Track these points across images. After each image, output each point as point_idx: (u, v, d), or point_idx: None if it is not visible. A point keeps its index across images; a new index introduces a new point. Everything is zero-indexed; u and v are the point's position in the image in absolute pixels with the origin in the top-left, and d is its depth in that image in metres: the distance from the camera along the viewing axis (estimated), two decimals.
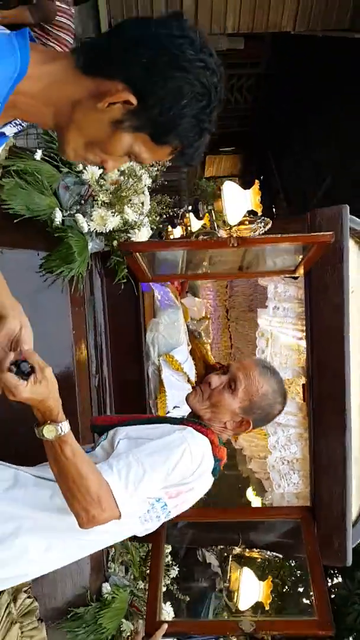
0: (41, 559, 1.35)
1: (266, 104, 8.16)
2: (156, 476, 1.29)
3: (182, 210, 3.42)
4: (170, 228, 3.87)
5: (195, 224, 3.69)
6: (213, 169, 9.85)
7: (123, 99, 0.87)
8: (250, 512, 1.87)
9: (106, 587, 2.12)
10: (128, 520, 1.33)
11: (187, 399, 1.53)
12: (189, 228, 3.52)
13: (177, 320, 2.45)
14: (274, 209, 8.13)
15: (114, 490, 1.22)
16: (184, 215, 3.55)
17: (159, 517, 1.39)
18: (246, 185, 9.11)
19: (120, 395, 2.35)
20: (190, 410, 1.55)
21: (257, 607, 2.54)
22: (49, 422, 1.16)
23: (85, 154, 0.96)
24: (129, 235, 1.98)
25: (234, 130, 8.96)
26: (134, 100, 0.87)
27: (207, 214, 3.66)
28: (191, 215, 3.71)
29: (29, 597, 1.90)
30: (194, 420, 1.47)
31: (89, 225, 1.91)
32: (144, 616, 2.05)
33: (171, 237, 3.79)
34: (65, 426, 1.17)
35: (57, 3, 3.23)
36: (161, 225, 2.31)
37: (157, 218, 2.10)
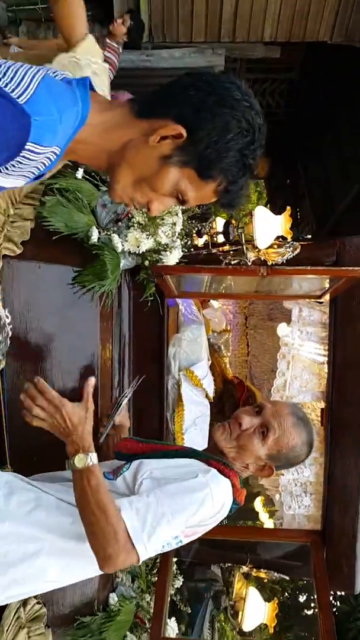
0: (58, 579, 1.40)
1: (297, 109, 8.10)
2: (175, 522, 1.27)
3: (208, 222, 3.44)
4: (195, 236, 3.88)
5: (220, 227, 3.69)
6: None
7: (173, 131, 0.93)
8: (259, 533, 1.91)
9: (113, 598, 2.17)
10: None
11: (213, 433, 1.54)
12: (214, 238, 3.54)
13: (199, 337, 2.49)
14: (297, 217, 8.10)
15: (130, 529, 1.22)
16: (211, 227, 3.56)
17: (171, 546, 1.36)
18: (271, 187, 9.04)
19: (139, 407, 2.40)
20: (210, 442, 1.57)
21: (262, 628, 2.57)
22: (80, 451, 1.21)
23: (133, 193, 1.01)
24: (160, 256, 2.02)
25: None
26: (183, 132, 0.92)
27: (206, 235, 3.69)
28: (218, 221, 3.71)
29: (38, 602, 1.95)
30: (218, 460, 1.46)
31: (123, 245, 1.95)
32: (148, 630, 2.10)
33: (196, 242, 3.81)
34: (94, 457, 1.25)
35: (108, 40, 3.53)
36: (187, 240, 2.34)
37: (187, 241, 2.14)
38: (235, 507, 1.46)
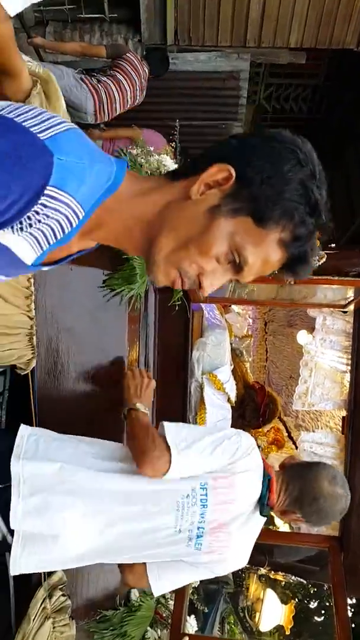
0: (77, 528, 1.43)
1: (321, 115, 8.09)
2: (206, 441, 1.46)
3: None
4: None
5: None
6: None
7: (219, 174, 0.78)
8: (278, 536, 1.93)
9: (134, 593, 2.22)
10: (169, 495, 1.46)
11: None
12: None
13: (223, 341, 2.52)
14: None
15: (167, 434, 1.45)
16: None
17: (191, 537, 1.45)
18: None
19: (162, 408, 2.43)
20: None
21: (271, 633, 2.59)
22: (140, 402, 1.71)
23: (179, 262, 0.81)
24: None
25: None
26: (232, 171, 0.77)
27: None
28: None
29: (63, 594, 2.00)
30: None
31: None
32: (168, 626, 2.14)
33: None
34: (147, 410, 1.69)
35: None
36: None
37: None
38: (267, 479, 1.52)
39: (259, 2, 4.98)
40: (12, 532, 1.41)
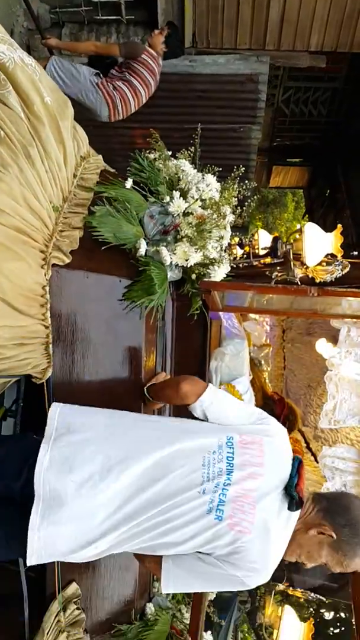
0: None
1: (340, 119, 8.00)
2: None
3: (251, 234, 3.43)
4: (235, 246, 3.86)
5: (264, 240, 3.67)
6: (279, 180, 9.74)
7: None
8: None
9: (150, 608, 2.17)
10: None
11: None
12: (256, 250, 3.51)
13: (242, 351, 2.45)
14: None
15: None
16: (253, 238, 3.54)
17: (212, 503, 1.38)
18: (311, 197, 8.92)
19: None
20: None
21: None
22: None
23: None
24: (208, 270, 2.00)
25: (304, 143, 8.84)
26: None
27: (247, 247, 3.65)
28: (260, 235, 3.69)
29: (77, 608, 1.96)
30: None
31: (171, 258, 1.94)
32: None
33: (234, 252, 3.78)
34: None
35: (147, 48, 3.68)
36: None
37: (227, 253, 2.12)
38: (297, 461, 1.48)
39: (279, 4, 4.92)
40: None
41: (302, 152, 9.07)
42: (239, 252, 3.84)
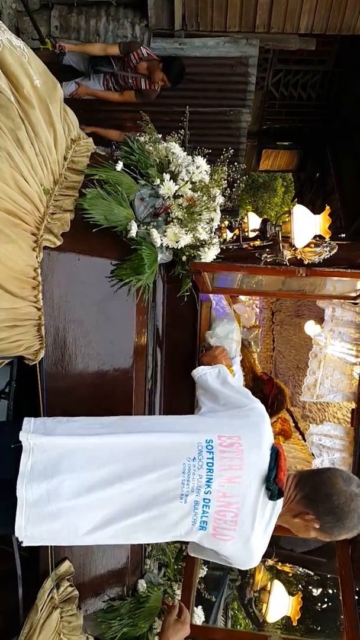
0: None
1: (330, 102, 7.98)
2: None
3: (240, 217, 3.46)
4: (225, 229, 3.89)
5: (254, 223, 3.70)
6: (269, 163, 9.73)
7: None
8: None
9: (142, 584, 2.22)
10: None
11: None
12: (245, 233, 3.54)
13: (231, 332, 2.49)
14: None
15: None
16: (243, 221, 3.56)
17: (196, 511, 1.43)
18: (300, 180, 8.93)
19: (170, 398, 2.42)
20: None
21: (285, 621, 2.59)
22: None
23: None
24: (198, 252, 2.02)
25: (293, 126, 8.82)
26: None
27: (236, 229, 3.70)
28: (250, 218, 3.72)
29: (70, 585, 2.01)
30: None
31: (161, 240, 1.96)
32: None
33: (224, 235, 3.80)
34: None
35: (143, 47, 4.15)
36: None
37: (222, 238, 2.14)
38: (275, 452, 1.50)
39: None
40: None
41: (292, 136, 9.06)
42: (228, 235, 3.87)
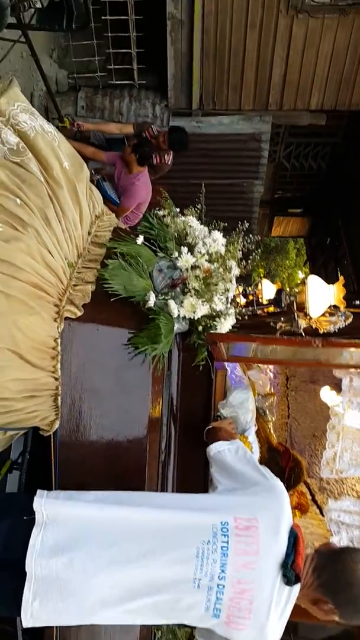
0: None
1: (340, 172, 8.27)
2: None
3: (254, 284, 3.53)
4: (241, 297, 3.96)
5: (267, 289, 3.76)
6: (280, 229, 10.00)
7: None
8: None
9: None
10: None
11: None
12: (260, 299, 3.59)
13: (246, 400, 2.48)
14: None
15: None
16: (257, 288, 3.63)
17: (209, 598, 1.37)
18: (311, 245, 9.09)
19: (183, 473, 2.38)
20: None
21: None
22: None
23: None
24: (214, 322, 2.06)
25: (304, 194, 9.11)
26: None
27: (250, 295, 3.76)
28: (264, 285, 3.78)
29: None
30: None
31: (179, 311, 2.00)
32: None
33: (237, 299, 3.85)
34: None
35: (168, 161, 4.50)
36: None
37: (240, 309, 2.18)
38: (293, 536, 1.43)
39: (281, 67, 5.21)
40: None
41: (303, 203, 9.34)
42: (242, 300, 3.93)
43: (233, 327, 2.25)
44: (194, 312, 2.02)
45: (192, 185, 5.89)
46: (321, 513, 3.61)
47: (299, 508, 3.31)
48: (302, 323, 2.20)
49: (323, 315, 2.20)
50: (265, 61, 5.20)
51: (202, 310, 2.01)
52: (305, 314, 2.19)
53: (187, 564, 1.39)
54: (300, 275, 14.79)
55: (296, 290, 2.29)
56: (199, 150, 5.60)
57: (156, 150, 4.47)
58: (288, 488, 2.95)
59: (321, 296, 2.17)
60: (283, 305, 2.30)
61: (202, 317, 2.09)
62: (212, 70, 5.28)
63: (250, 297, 3.81)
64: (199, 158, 5.64)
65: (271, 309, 4.04)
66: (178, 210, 2.54)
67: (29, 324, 1.68)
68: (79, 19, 3.38)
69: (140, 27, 5.07)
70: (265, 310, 3.97)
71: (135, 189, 4.18)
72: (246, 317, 2.11)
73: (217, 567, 1.38)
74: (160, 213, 2.50)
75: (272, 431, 3.15)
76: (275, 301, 2.34)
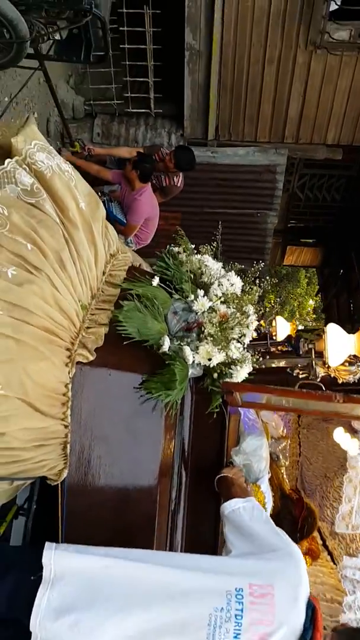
0: None
1: (355, 205, 8.24)
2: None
3: (268, 320, 3.46)
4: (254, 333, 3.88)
5: (281, 327, 3.69)
6: (293, 258, 9.96)
7: None
8: None
9: None
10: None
11: None
12: (274, 337, 3.52)
13: (259, 448, 2.39)
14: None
15: None
16: (271, 325, 3.56)
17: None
18: (324, 276, 9.02)
19: (193, 521, 2.28)
20: None
21: None
22: None
23: None
24: (230, 370, 1.99)
25: (318, 225, 9.09)
26: None
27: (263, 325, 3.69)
28: (278, 322, 3.71)
29: None
30: None
31: (193, 357, 1.93)
32: None
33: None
34: None
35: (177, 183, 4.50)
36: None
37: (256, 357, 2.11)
38: (311, 609, 1.35)
39: (298, 101, 5.22)
40: None
41: (316, 234, 9.31)
42: (254, 334, 3.85)
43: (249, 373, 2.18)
44: (210, 359, 1.95)
45: (206, 214, 5.92)
46: (332, 561, 3.47)
47: (309, 554, 3.18)
48: (320, 371, 2.12)
49: (342, 364, 2.12)
50: (282, 95, 5.21)
51: (218, 358, 1.94)
52: (324, 363, 2.12)
53: (198, 631, 1.31)
54: (311, 302, 14.74)
55: (314, 337, 2.22)
56: (213, 180, 5.60)
57: (165, 171, 4.43)
58: (300, 539, 2.85)
59: (341, 345, 2.10)
60: (301, 352, 2.23)
61: (217, 363, 2.02)
62: (228, 101, 5.31)
63: (264, 323, 3.73)
64: (213, 187, 5.64)
65: (284, 347, 3.97)
66: (193, 247, 2.49)
67: (39, 370, 1.61)
68: (97, 52, 3.40)
69: (157, 56, 5.12)
70: (280, 348, 3.90)
71: (138, 205, 4.12)
72: (263, 366, 2.03)
73: (230, 638, 1.30)
74: (176, 250, 2.46)
75: (285, 476, 3.05)
76: (293, 348, 2.26)
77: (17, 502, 1.99)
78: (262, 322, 3.57)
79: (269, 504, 2.43)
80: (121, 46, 5.05)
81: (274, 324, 3.59)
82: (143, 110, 5.50)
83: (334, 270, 9.15)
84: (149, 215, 4.25)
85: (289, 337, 3.21)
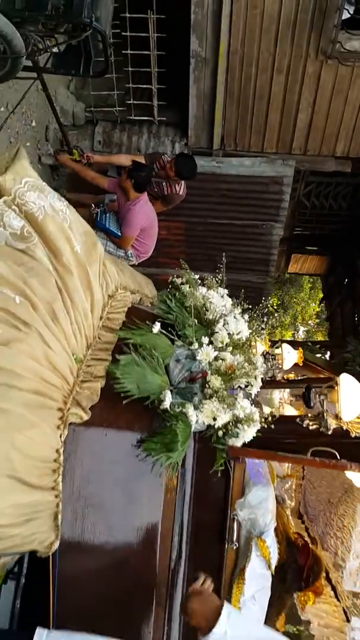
0: None
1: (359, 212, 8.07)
2: None
3: (273, 352, 3.32)
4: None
5: (288, 354, 3.54)
6: (297, 266, 9.78)
7: None
8: None
9: None
10: None
11: None
12: (279, 364, 3.36)
13: (265, 500, 2.24)
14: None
15: None
16: (276, 355, 3.40)
17: None
18: (328, 284, 8.86)
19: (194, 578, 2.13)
20: None
21: None
22: None
23: None
24: (237, 429, 1.82)
25: (323, 233, 8.91)
26: None
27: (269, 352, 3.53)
28: (284, 349, 3.56)
29: None
30: None
31: (197, 417, 1.78)
32: None
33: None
34: None
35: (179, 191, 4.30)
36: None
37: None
38: None
39: (307, 112, 5.04)
40: None
41: (322, 242, 9.13)
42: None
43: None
44: (215, 420, 1.79)
45: (210, 224, 5.75)
46: (336, 597, 3.33)
47: (313, 590, 3.03)
48: (332, 424, 1.97)
49: (357, 417, 1.98)
50: (291, 105, 5.03)
51: (223, 418, 1.78)
52: (336, 415, 1.97)
53: None
54: (313, 305, 14.55)
55: (326, 391, 2.06)
56: (218, 190, 5.41)
57: (166, 179, 4.24)
58: (304, 588, 2.69)
59: (354, 397, 1.95)
60: (312, 404, 2.07)
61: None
62: (235, 110, 5.12)
63: (268, 347, 3.57)
64: (218, 198, 5.46)
65: (292, 375, 3.80)
66: (196, 277, 2.33)
67: (28, 440, 1.46)
68: (97, 65, 3.22)
69: (161, 62, 4.93)
70: (287, 376, 3.74)
71: (132, 215, 3.92)
72: (272, 426, 1.87)
73: None
74: (179, 281, 2.30)
75: (290, 519, 2.89)
76: (304, 399, 2.10)
77: (7, 567, 1.84)
78: (266, 345, 3.39)
79: (274, 557, 2.28)
80: (124, 52, 4.86)
81: (280, 350, 3.43)
82: (146, 118, 5.32)
83: (339, 279, 8.98)
84: (143, 225, 4.03)
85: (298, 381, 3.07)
